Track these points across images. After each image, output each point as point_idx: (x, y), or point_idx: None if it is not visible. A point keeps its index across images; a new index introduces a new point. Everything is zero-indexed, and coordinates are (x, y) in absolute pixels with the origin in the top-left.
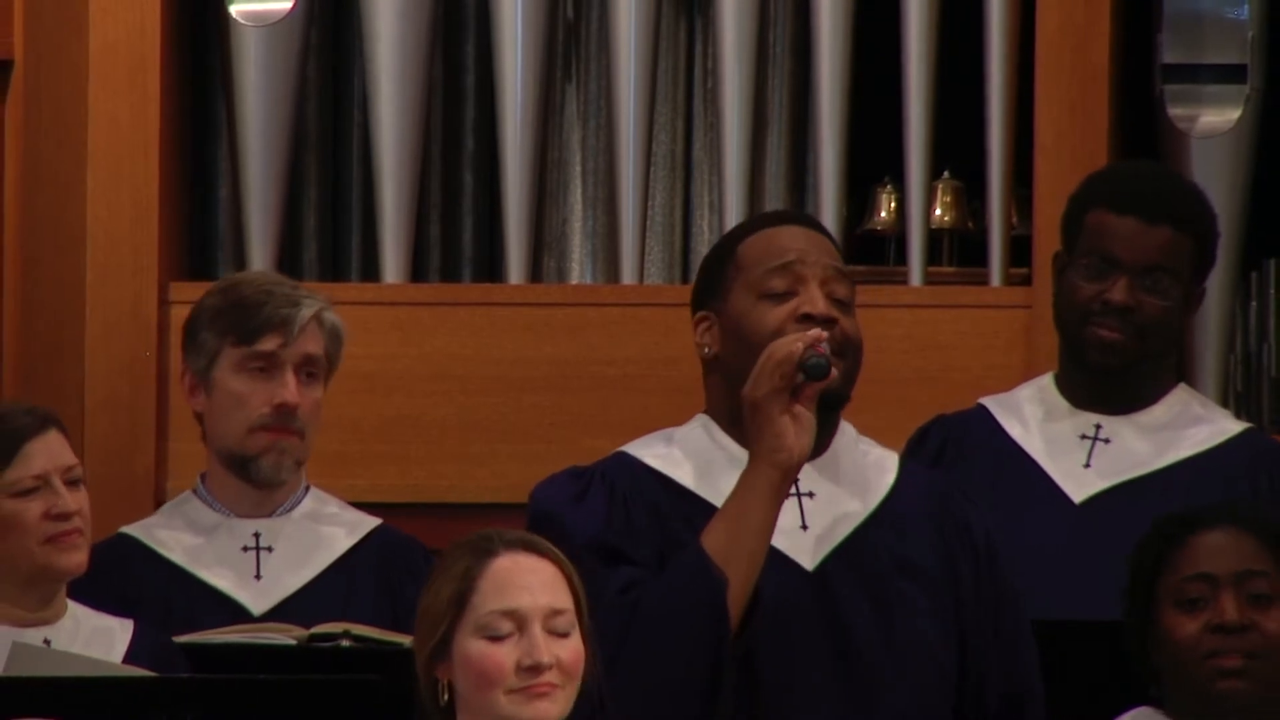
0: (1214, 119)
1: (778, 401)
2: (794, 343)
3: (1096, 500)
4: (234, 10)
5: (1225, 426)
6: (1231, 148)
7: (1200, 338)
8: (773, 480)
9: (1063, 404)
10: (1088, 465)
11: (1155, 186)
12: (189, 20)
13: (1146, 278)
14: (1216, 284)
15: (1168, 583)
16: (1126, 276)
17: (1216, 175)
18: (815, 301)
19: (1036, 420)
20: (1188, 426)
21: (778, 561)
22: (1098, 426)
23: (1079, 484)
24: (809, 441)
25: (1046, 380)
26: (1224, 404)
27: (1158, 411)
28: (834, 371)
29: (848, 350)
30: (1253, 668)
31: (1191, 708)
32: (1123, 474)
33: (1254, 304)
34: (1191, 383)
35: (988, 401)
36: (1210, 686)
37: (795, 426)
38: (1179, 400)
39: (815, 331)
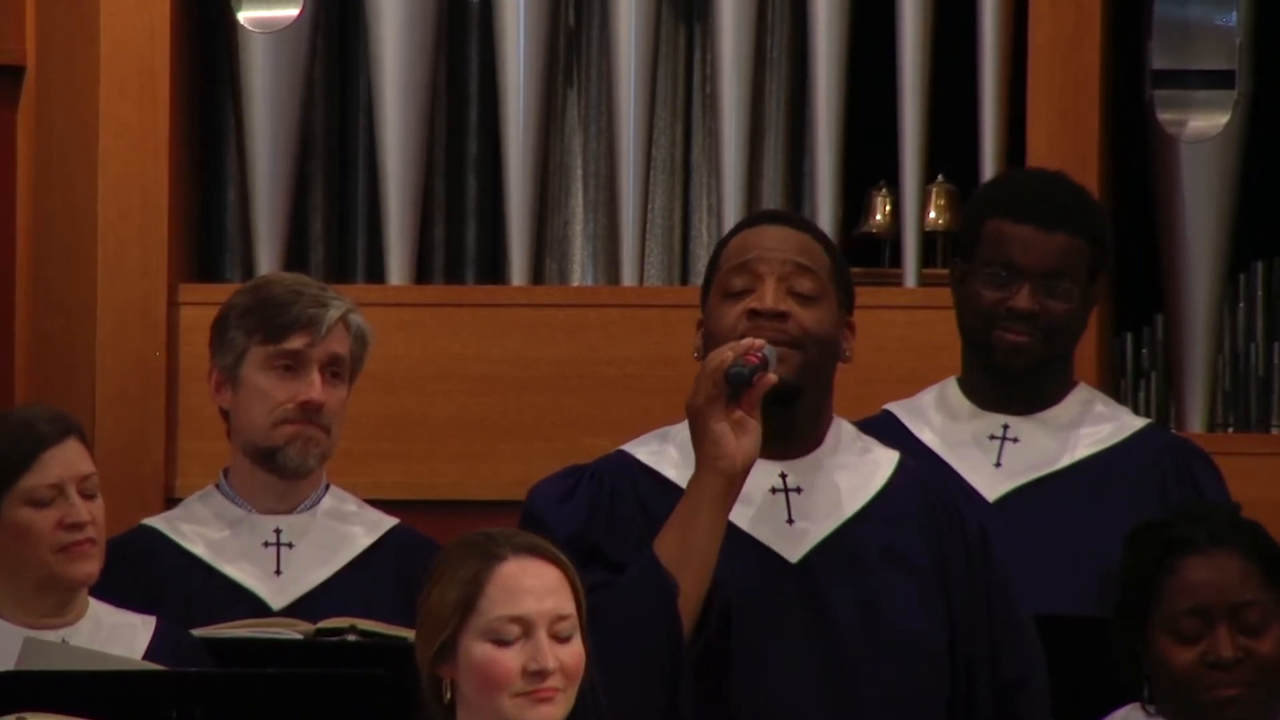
0: (1203, 124)
1: (712, 410)
2: (726, 351)
3: (1010, 498)
4: (242, 16)
5: (1128, 423)
6: (1220, 152)
7: (1189, 339)
8: (717, 486)
9: (968, 406)
10: (998, 465)
11: (1050, 193)
12: (198, 26)
13: (1047, 283)
14: (1206, 286)
15: (1161, 614)
16: (1028, 283)
17: (1205, 179)
18: (764, 297)
19: (944, 423)
20: (1092, 424)
21: (760, 554)
22: (1005, 426)
23: (991, 484)
24: (753, 445)
25: (950, 384)
26: (1212, 404)
27: (1062, 410)
28: (765, 376)
29: (805, 343)
30: (1250, 694)
31: (1186, 714)
32: (1033, 472)
33: (1241, 305)
34: (1180, 383)
35: (894, 407)
36: (1209, 710)
37: (736, 432)
38: (1081, 399)
39: (748, 340)
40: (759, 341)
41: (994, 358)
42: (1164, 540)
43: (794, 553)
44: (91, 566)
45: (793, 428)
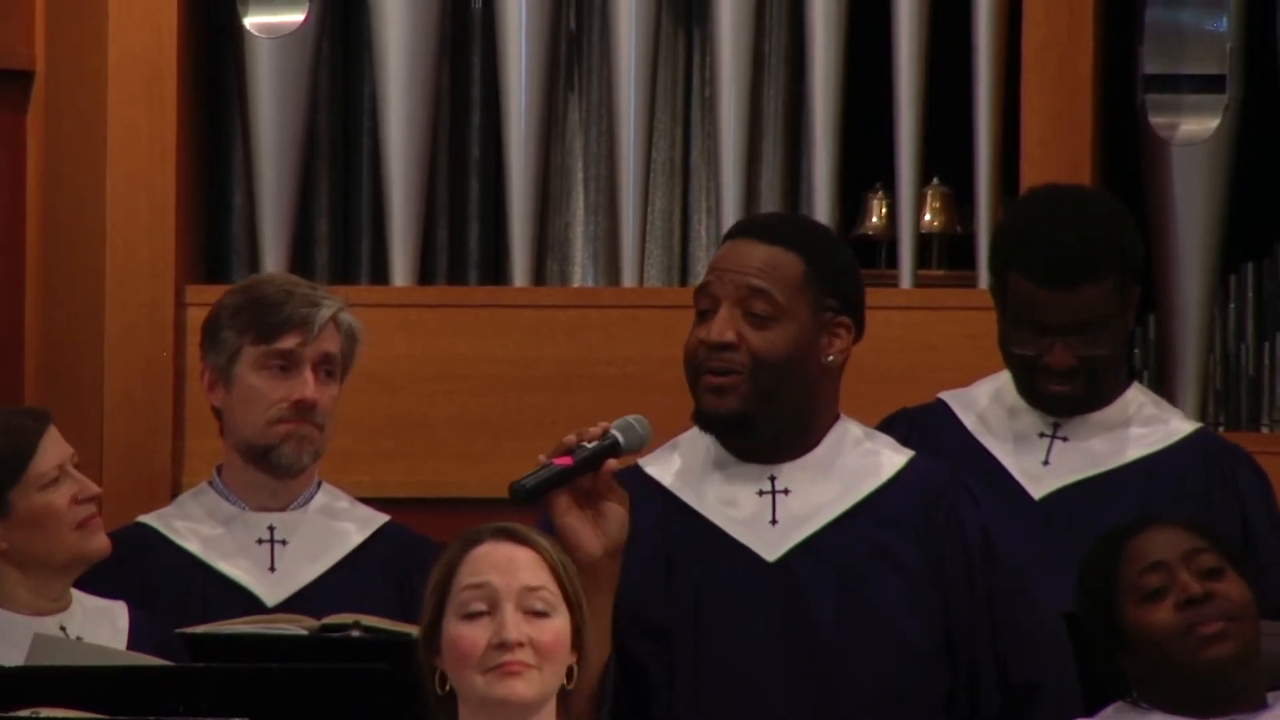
0: (1194, 127)
1: (552, 509)
2: (541, 454)
3: (1055, 497)
4: (248, 22)
5: (1178, 426)
6: (1211, 155)
7: (1181, 339)
8: (582, 578)
9: (1020, 402)
10: (1046, 463)
11: (1066, 249)
12: (205, 31)
13: (1080, 335)
14: (1197, 287)
15: (1124, 586)
16: (1061, 340)
17: (1196, 182)
18: (710, 327)
19: (996, 417)
20: (1142, 426)
21: (738, 554)
22: (1056, 425)
23: (1038, 481)
24: (617, 528)
25: (1004, 378)
26: (1203, 403)
27: (1113, 411)
28: (606, 462)
29: (753, 370)
30: (1231, 629)
31: (1178, 693)
32: (1081, 472)
33: (1232, 306)
34: (1172, 382)
35: (947, 396)
36: (1198, 657)
37: (596, 518)
38: (1133, 400)
39: (570, 437)
40: (596, 430)
41: (1039, 402)
42: (1109, 537)
43: (772, 552)
44: (105, 538)
45: (777, 435)
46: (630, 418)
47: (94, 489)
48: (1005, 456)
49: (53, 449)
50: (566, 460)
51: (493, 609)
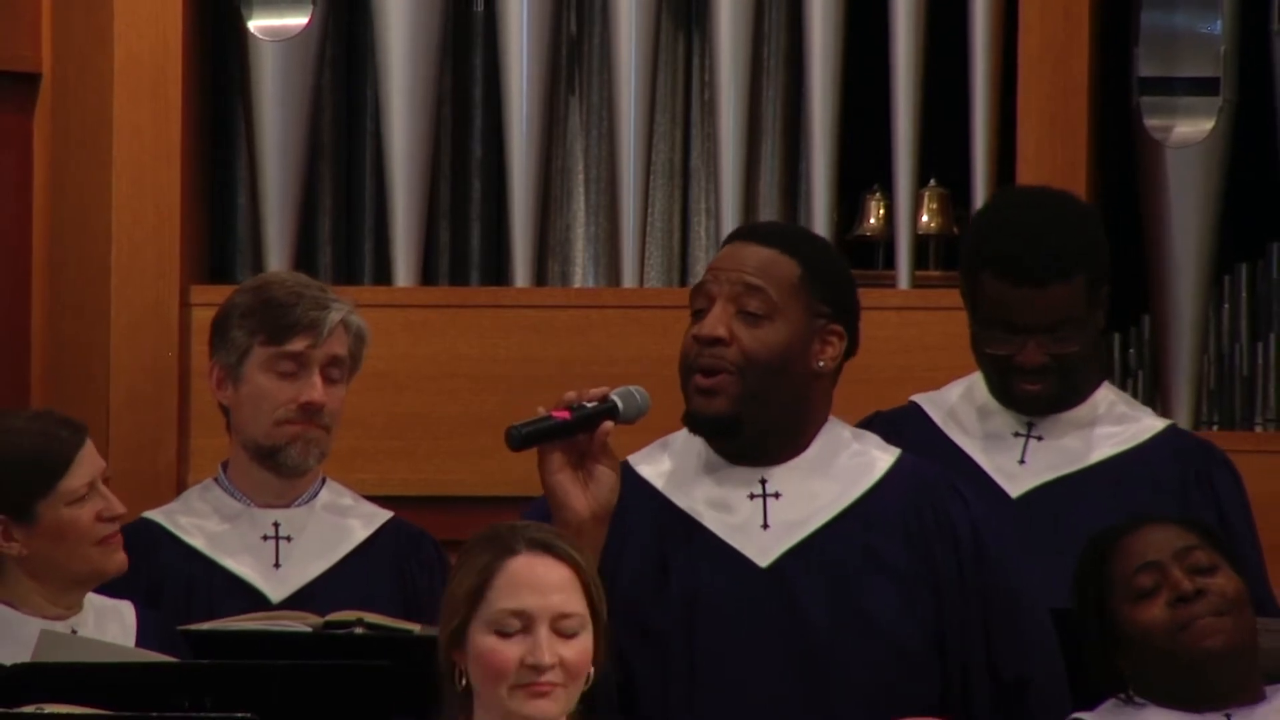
0: (1188, 129)
1: (544, 465)
2: (540, 406)
3: (1032, 495)
4: (252, 25)
5: (1149, 424)
6: (1205, 157)
7: (1175, 339)
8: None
9: (993, 402)
10: (1022, 461)
11: (1036, 247)
12: (209, 34)
13: (1053, 333)
14: (1191, 287)
15: (1118, 587)
16: (1033, 339)
17: (1191, 183)
18: (702, 324)
19: (968, 417)
20: (1115, 424)
21: (731, 559)
22: (1030, 424)
23: (1014, 480)
24: (607, 491)
25: (974, 378)
26: (1198, 402)
27: (1085, 409)
28: (602, 424)
29: (744, 368)
30: (1223, 622)
31: (1174, 687)
32: (1056, 470)
33: (1226, 306)
34: (1166, 382)
35: (920, 399)
36: (1191, 649)
37: (586, 480)
38: (1104, 399)
39: (571, 394)
40: (597, 391)
41: (1013, 403)
42: (1101, 537)
43: (765, 558)
44: (123, 556)
45: (766, 437)
46: (631, 387)
47: (119, 508)
48: (980, 455)
49: (87, 465)
50: (565, 414)
51: (527, 629)
